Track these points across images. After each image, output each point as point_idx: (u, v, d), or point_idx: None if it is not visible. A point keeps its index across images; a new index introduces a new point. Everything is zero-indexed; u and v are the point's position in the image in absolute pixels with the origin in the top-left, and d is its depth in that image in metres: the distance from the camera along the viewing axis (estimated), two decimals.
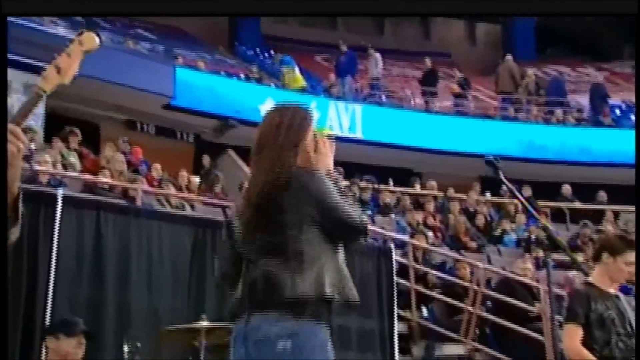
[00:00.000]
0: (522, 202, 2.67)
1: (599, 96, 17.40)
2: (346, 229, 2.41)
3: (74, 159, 9.14)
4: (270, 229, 2.37)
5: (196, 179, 11.14)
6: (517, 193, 2.69)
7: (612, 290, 3.83)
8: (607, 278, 3.80)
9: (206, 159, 12.45)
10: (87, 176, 8.17)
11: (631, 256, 3.76)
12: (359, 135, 14.76)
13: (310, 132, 2.53)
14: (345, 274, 2.43)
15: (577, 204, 13.94)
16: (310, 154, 2.49)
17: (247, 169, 12.88)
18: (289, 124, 2.50)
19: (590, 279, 3.88)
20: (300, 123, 2.52)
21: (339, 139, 16.43)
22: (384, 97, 16.21)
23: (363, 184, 12.23)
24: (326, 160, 2.54)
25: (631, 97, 17.62)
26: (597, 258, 3.82)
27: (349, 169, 13.60)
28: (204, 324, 4.42)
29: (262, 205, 2.39)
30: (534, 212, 2.52)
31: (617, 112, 17.92)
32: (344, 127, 14.68)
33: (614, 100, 18.03)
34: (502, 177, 2.66)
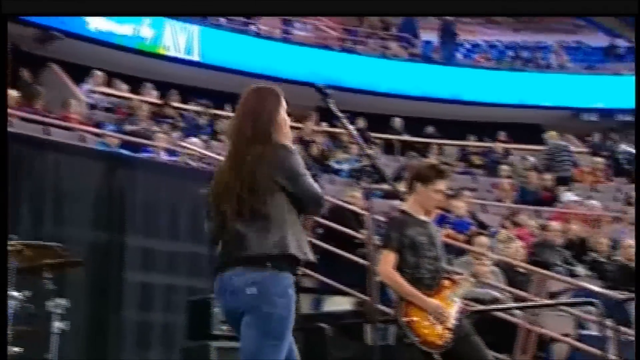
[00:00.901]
0: (349, 132, 2.69)
1: (449, 34, 17.98)
2: (310, 200, 2.77)
3: None
4: (243, 193, 2.70)
5: (13, 92, 10.32)
6: (345, 122, 2.71)
7: (424, 217, 4.05)
8: (419, 206, 4.01)
9: (26, 72, 11.54)
10: None
11: (441, 184, 4.00)
12: (196, 57, 14.36)
13: (283, 108, 2.85)
14: (304, 237, 2.80)
15: (407, 137, 14.60)
16: (284, 129, 2.82)
17: (73, 86, 12.19)
18: (266, 102, 2.87)
19: (404, 207, 4.07)
20: (275, 100, 2.87)
21: (175, 59, 16.00)
22: (223, 20, 15.79)
23: (199, 108, 11.97)
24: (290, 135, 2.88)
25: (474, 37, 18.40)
26: (410, 187, 4.02)
27: (185, 91, 13.23)
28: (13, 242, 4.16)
29: (240, 171, 2.72)
30: (360, 142, 2.56)
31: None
32: (180, 48, 14.20)
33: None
34: (331, 105, 2.67)
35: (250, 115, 2.83)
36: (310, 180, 2.77)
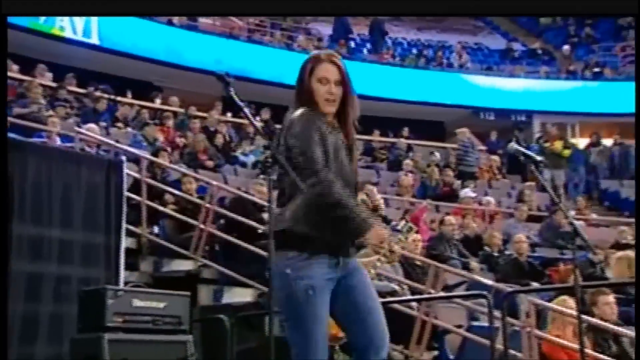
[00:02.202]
0: (251, 122, 2.65)
1: (378, 31, 18.15)
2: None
3: None
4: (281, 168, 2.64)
5: None
6: (247, 112, 2.66)
7: None
8: None
9: None
10: None
11: None
12: (94, 40, 13.87)
13: (307, 73, 2.73)
14: (304, 210, 2.66)
15: None
16: (311, 95, 2.72)
17: None
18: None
19: None
20: (303, 66, 2.77)
21: (71, 41, 15.47)
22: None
23: (98, 93, 11.57)
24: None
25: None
26: None
27: (84, 75, 12.77)
28: None
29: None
30: (261, 132, 2.52)
31: (352, 44, 18.97)
32: (78, 31, 13.68)
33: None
34: (232, 93, 2.61)
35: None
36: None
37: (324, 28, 18.78)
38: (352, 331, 2.77)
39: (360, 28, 19.60)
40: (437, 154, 13.85)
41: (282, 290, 2.66)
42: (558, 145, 13.99)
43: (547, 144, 13.92)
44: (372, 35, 18.32)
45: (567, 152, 14.00)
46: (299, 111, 2.71)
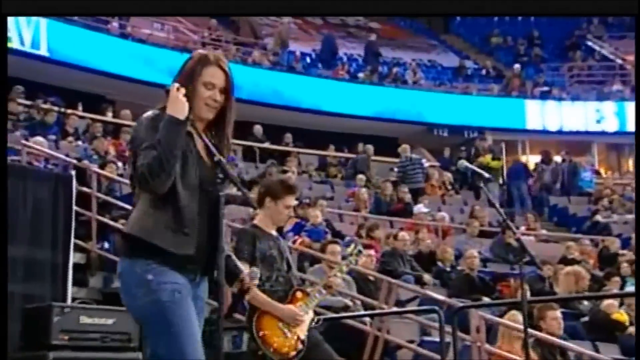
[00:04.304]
0: (200, 136, 2.60)
1: (371, 52, 18.32)
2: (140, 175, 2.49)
3: None
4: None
5: None
6: (194, 127, 2.61)
7: (274, 232, 4.13)
8: (270, 220, 4.10)
9: None
10: None
11: (290, 200, 4.08)
12: (43, 52, 13.60)
13: (192, 73, 2.61)
14: (161, 214, 2.49)
15: (267, 145, 14.64)
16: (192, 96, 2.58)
17: None
18: None
19: (255, 221, 4.16)
20: (189, 65, 2.66)
21: (19, 52, 15.12)
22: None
23: (47, 105, 11.33)
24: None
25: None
26: (260, 203, 4.06)
27: (31, 88, 12.50)
28: None
29: None
30: (210, 146, 2.48)
31: (308, 60, 19.05)
32: (26, 42, 13.38)
33: (304, 48, 19.12)
34: None
35: None
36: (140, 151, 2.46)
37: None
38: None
39: (315, 44, 19.72)
40: (395, 169, 13.98)
41: (145, 296, 2.47)
42: (487, 158, 14.37)
43: (479, 159, 14.26)
44: (366, 56, 18.57)
45: (495, 164, 14.39)
46: (151, 112, 2.56)
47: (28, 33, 13.48)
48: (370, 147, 14.79)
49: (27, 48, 13.32)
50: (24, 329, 4.48)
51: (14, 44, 13.22)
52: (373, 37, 19.53)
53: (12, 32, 13.24)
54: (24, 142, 8.43)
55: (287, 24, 18.60)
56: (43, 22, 13.72)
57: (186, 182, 2.52)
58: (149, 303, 2.46)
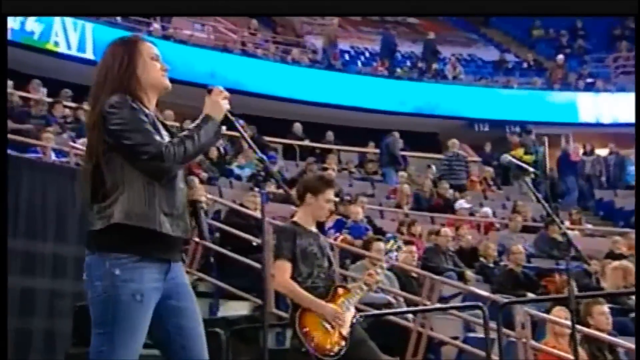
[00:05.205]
0: (242, 135, 2.66)
1: (387, 46, 18.27)
2: (135, 155, 2.44)
3: None
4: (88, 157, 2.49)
5: None
6: (237, 125, 2.68)
7: (314, 229, 4.13)
8: (310, 216, 4.10)
9: None
10: None
11: (330, 194, 4.10)
12: (89, 55, 13.88)
13: (135, 54, 2.66)
14: (152, 200, 2.44)
15: (307, 142, 14.69)
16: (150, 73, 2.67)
17: None
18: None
19: (295, 218, 4.17)
20: (125, 50, 2.66)
21: (65, 56, 15.42)
22: (119, 18, 15.38)
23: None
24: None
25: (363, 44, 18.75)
26: (301, 199, 4.08)
27: (79, 90, 12.77)
28: None
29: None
30: (251, 144, 2.53)
31: (347, 57, 19.05)
32: (72, 46, 13.68)
33: (343, 45, 19.11)
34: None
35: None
36: (132, 132, 2.44)
37: (317, 40, 18.86)
38: (175, 357, 2.55)
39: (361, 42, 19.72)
40: (434, 167, 13.89)
41: (105, 291, 2.41)
42: (519, 152, 14.14)
43: (511, 153, 14.05)
44: (382, 50, 18.45)
45: (528, 158, 14.15)
46: (117, 97, 2.50)
47: (74, 37, 13.79)
48: (395, 133, 14.54)
49: (73, 52, 13.60)
50: (75, 325, 4.60)
51: (61, 48, 13.53)
52: (431, 35, 19.32)
53: (59, 37, 13.55)
54: (71, 143, 8.63)
55: (334, 23, 18.63)
56: (88, 25, 14.01)
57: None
58: (107, 299, 2.41)
